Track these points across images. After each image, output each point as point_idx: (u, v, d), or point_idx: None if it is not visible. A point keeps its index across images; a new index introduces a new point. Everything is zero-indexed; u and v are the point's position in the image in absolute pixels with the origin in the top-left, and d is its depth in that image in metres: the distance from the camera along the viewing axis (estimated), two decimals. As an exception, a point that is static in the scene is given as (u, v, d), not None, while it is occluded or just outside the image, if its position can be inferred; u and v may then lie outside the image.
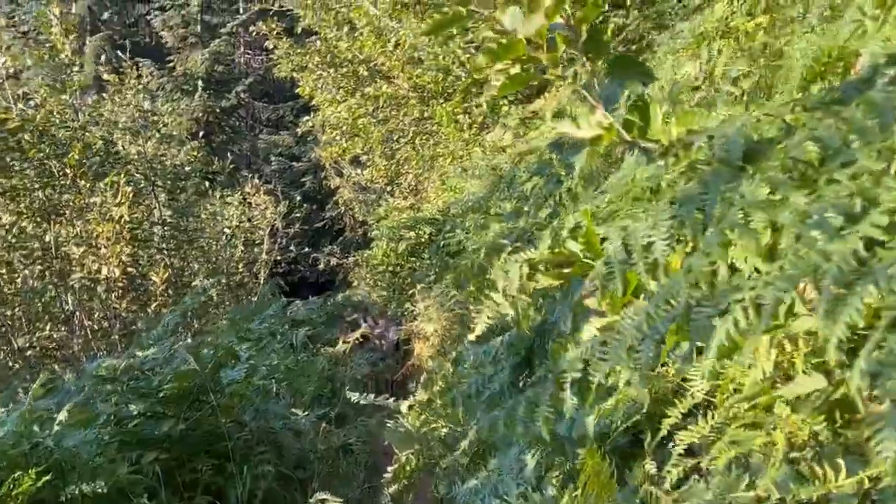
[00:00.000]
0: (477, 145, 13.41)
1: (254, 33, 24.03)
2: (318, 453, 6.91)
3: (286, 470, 6.26)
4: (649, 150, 2.06)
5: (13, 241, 10.15)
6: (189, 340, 7.03)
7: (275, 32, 16.10)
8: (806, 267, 1.15)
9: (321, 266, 27.28)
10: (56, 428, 5.00)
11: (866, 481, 1.63)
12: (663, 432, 2.35)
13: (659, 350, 1.32)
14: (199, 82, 29.41)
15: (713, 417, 2.28)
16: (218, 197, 19.03)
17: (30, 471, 4.53)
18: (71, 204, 10.45)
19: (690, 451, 2.44)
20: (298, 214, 26.27)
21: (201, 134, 25.69)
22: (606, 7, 11.08)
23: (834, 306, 1.10)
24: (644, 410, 2.52)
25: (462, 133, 13.79)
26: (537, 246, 2.16)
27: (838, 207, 1.19)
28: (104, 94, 12.80)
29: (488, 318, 2.33)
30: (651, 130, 2.06)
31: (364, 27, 14.34)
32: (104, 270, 10.13)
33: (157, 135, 12.70)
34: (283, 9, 18.83)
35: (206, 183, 19.98)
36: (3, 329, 10.18)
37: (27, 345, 10.45)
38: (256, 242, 20.04)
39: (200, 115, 28.22)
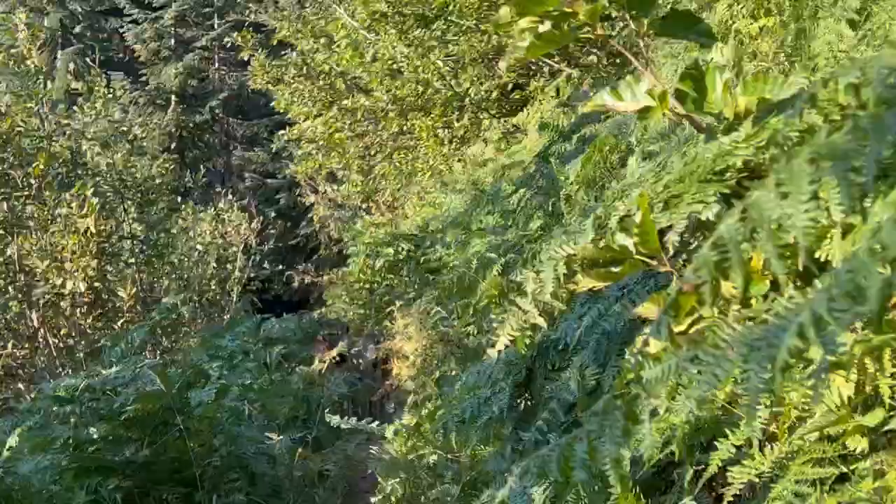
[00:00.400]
0: (457, 160, 13.07)
1: (228, 43, 23.74)
2: (293, 481, 6.44)
3: (259, 499, 5.79)
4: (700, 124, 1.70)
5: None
6: (157, 359, 6.55)
7: (250, 44, 15.67)
8: None
9: (295, 284, 26.98)
10: (6, 454, 4.57)
11: None
12: (714, 468, 1.97)
13: (786, 364, 0.94)
14: (173, 96, 28.95)
15: (773, 451, 1.91)
16: (190, 213, 18.63)
17: (-25, 501, 4.11)
18: (35, 216, 9.98)
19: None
20: (273, 231, 25.94)
21: (173, 146, 25.23)
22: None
23: None
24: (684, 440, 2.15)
25: (442, 147, 13.46)
26: (576, 241, 1.77)
27: None
28: (74, 108, 12.36)
29: (513, 328, 1.93)
30: (709, 102, 1.68)
31: (341, 38, 14.00)
32: (69, 285, 9.67)
33: (128, 146, 12.24)
34: (259, 20, 18.47)
35: (179, 198, 19.58)
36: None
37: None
38: (229, 259, 19.63)
39: (173, 129, 27.76)
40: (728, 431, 1.95)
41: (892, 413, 1.72)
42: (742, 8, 6.03)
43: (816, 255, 1.22)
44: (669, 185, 1.57)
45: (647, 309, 1.60)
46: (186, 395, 5.49)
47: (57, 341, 10.42)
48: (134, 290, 9.74)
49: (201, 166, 23.45)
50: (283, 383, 8.79)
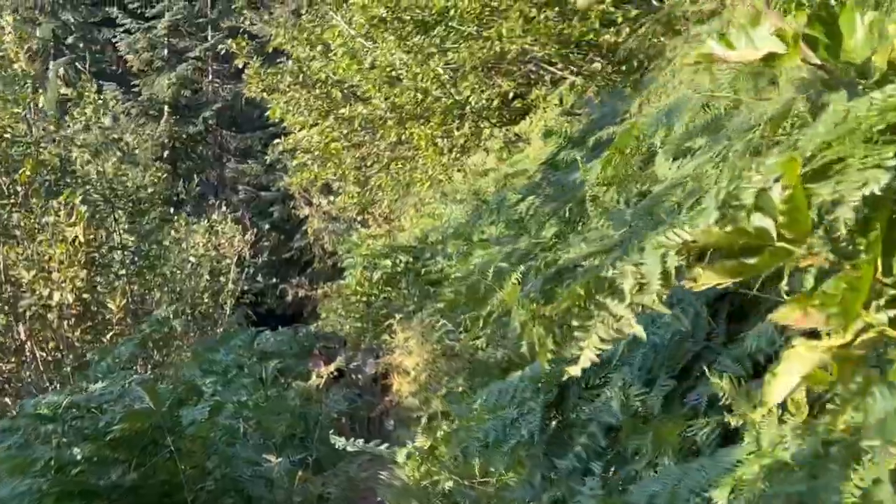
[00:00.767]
0: (457, 169, 12.75)
1: (222, 51, 23.41)
2: (292, 505, 6.04)
3: (256, 525, 5.41)
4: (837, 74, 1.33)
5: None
6: (147, 374, 6.11)
7: (244, 51, 15.30)
8: None
9: (289, 298, 26.75)
10: (-19, 477, 4.18)
11: None
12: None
13: None
14: (166, 107, 28.60)
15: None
16: (183, 224, 18.34)
17: (-54, 530, 3.72)
18: (22, 224, 9.58)
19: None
20: (266, 243, 25.63)
21: (166, 157, 24.89)
22: (598, 25, 10.52)
23: None
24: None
25: (441, 157, 13.14)
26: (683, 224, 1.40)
27: None
28: (66, 117, 11.99)
29: (601, 339, 1.56)
30: (847, 49, 1.31)
31: (338, 47, 13.66)
32: (56, 296, 9.28)
33: (118, 153, 11.86)
34: (254, 30, 18.17)
35: (171, 209, 19.25)
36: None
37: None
38: (223, 272, 19.35)
39: (166, 140, 27.42)
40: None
41: None
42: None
43: None
44: (818, 150, 1.20)
45: (790, 314, 1.22)
46: (178, 413, 5.09)
47: (45, 355, 10.03)
48: (124, 301, 9.33)
49: (194, 176, 23.08)
50: (280, 399, 8.38)
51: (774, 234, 1.17)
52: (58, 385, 9.18)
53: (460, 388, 6.73)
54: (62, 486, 4.59)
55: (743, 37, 1.37)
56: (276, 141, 17.97)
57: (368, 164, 15.54)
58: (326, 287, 22.84)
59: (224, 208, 22.01)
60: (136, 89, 29.04)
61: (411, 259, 12.49)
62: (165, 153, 26.41)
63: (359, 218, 20.78)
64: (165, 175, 15.33)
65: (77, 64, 23.92)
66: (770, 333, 2.36)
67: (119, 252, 11.23)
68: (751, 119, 2.85)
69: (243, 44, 15.36)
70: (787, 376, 1.24)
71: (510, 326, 4.51)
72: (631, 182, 4.18)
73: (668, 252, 1.33)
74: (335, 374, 11.88)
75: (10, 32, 10.38)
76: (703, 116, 3.77)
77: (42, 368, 9.90)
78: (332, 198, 21.89)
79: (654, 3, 9.53)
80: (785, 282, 2.15)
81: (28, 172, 9.44)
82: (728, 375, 2.13)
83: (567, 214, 5.75)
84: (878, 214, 1.11)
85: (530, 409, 3.20)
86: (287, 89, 14.87)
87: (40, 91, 11.20)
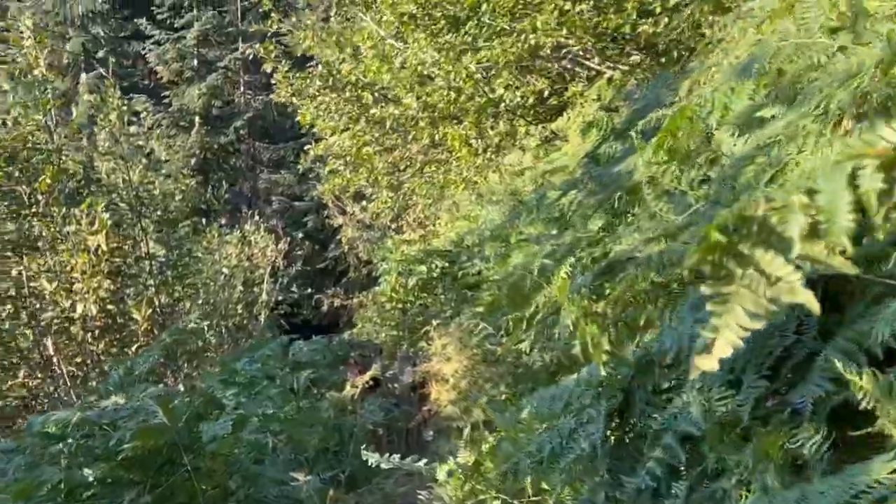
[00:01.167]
0: (492, 170, 12.33)
1: (251, 56, 23.09)
2: (324, 529, 5.55)
3: (283, 551, 4.93)
4: None
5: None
6: (162, 387, 5.62)
7: (273, 55, 14.99)
8: None
9: (324, 308, 26.53)
10: (-19, 502, 3.76)
11: None
12: None
13: None
14: (196, 118, 28.41)
15: None
16: (216, 235, 18.14)
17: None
18: (43, 234, 9.23)
19: None
20: (300, 252, 25.38)
21: (197, 166, 24.69)
22: (635, 16, 10.11)
23: None
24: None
25: (475, 158, 12.74)
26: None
27: None
28: (94, 129, 11.69)
29: (748, 313, 1.07)
30: None
31: (368, 49, 13.30)
32: (79, 308, 8.91)
33: (144, 161, 11.51)
34: (282, 33, 17.82)
35: (203, 220, 18.99)
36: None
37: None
38: (256, 282, 19.12)
39: (197, 151, 27.20)
40: None
41: None
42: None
43: None
44: None
45: None
46: (196, 429, 4.66)
47: (74, 370, 9.69)
48: (150, 312, 8.93)
49: (223, 182, 22.81)
50: (312, 411, 7.96)
51: None
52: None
53: (503, 396, 6.29)
54: (70, 512, 4.16)
55: None
56: (308, 147, 17.66)
57: (401, 168, 15.20)
58: (361, 296, 22.64)
59: (257, 218, 21.85)
60: (166, 101, 28.86)
61: (447, 263, 12.15)
62: (196, 164, 26.19)
63: (392, 225, 20.54)
64: (195, 184, 14.96)
65: (105, 77, 23.76)
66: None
67: (147, 262, 10.87)
68: (852, 67, 2.38)
69: (271, 48, 15.08)
70: None
71: (559, 326, 4.06)
72: (691, 162, 3.71)
73: (864, 166, 0.85)
74: (371, 383, 11.50)
75: (29, 37, 10.04)
76: (788, 69, 3.30)
77: (69, 384, 9.55)
78: (364, 203, 21.62)
79: (697, -15, 9.09)
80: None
81: (48, 181, 9.08)
82: (870, 371, 1.66)
83: (616, 205, 5.28)
84: None
85: (590, 418, 2.73)
86: (316, 93, 14.57)
87: (72, 105, 10.95)
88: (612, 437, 2.75)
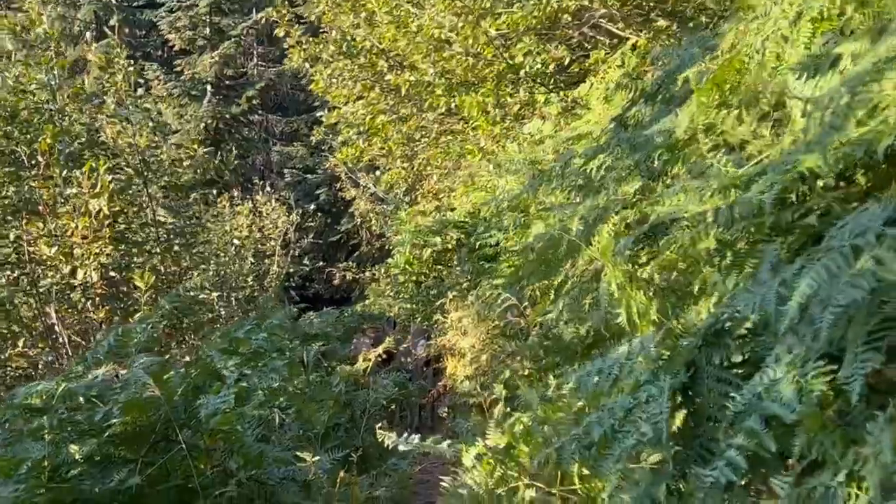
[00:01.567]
0: (510, 139, 11.92)
1: (265, 31, 22.72)
2: (333, 514, 5.08)
3: (288, 539, 4.46)
4: None
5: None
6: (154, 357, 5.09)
7: (285, 19, 14.57)
8: None
9: (336, 281, 26.32)
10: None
11: None
12: None
13: None
14: (208, 87, 27.95)
15: None
16: (227, 205, 17.86)
17: None
18: (43, 197, 8.79)
19: None
20: (312, 224, 25.03)
21: (208, 136, 24.27)
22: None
23: None
24: None
25: (493, 127, 12.31)
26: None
27: None
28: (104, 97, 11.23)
29: None
30: None
31: (384, 14, 12.85)
32: (80, 274, 8.49)
33: (151, 124, 11.05)
34: (296, 3, 17.42)
35: (215, 192, 18.65)
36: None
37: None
38: (267, 254, 18.83)
39: (209, 121, 26.73)
40: None
41: None
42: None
43: None
44: None
45: None
46: (194, 404, 4.21)
47: (78, 338, 9.28)
48: (152, 279, 8.49)
49: (232, 149, 22.40)
50: (322, 385, 7.54)
51: None
52: (85, 372, 8.41)
53: (527, 371, 5.85)
54: (54, 492, 3.72)
55: None
56: (320, 114, 17.32)
57: (416, 138, 14.81)
58: (374, 270, 22.42)
59: (269, 190, 21.56)
60: (177, 69, 28.39)
61: (463, 235, 11.82)
62: (208, 135, 25.76)
63: (406, 198, 20.22)
64: (203, 152, 14.50)
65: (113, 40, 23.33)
66: None
67: (153, 229, 10.45)
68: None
69: (283, 11, 14.69)
70: None
71: (597, 294, 3.62)
72: (756, 106, 3.26)
73: None
74: (383, 356, 11.11)
75: (31, -6, 9.60)
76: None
77: (71, 353, 9.15)
78: (377, 173, 21.29)
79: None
80: None
81: (49, 140, 8.65)
82: None
83: (657, 164, 4.82)
84: None
85: (650, 397, 2.29)
86: (330, 59, 14.16)
87: (83, 75, 10.56)
88: (675, 419, 2.31)
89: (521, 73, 11.42)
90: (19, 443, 4.03)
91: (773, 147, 3.13)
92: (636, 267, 3.63)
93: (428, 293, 12.55)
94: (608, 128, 7.67)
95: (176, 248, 10.79)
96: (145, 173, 10.43)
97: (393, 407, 10.82)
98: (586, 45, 11.52)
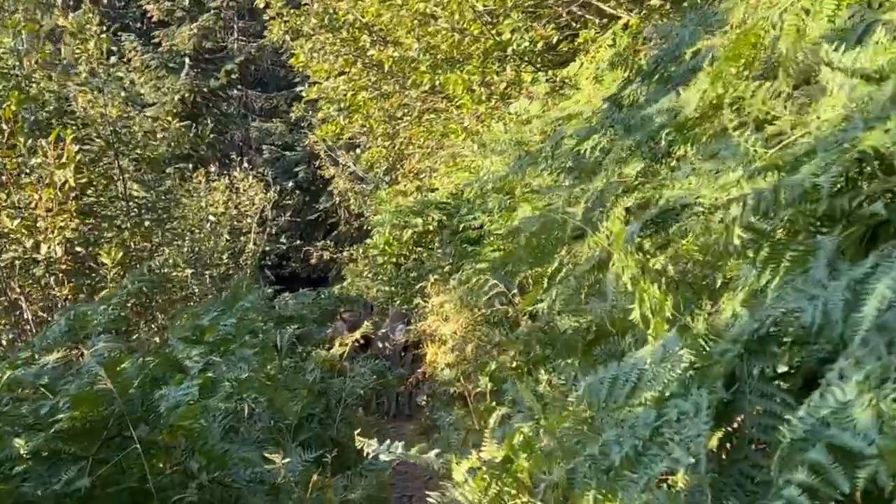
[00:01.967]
0: (495, 119, 11.59)
1: (245, 4, 22.21)
2: (304, 521, 4.67)
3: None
4: None
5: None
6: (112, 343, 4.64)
7: (267, -12, 14.18)
8: None
9: (313, 260, 26.10)
10: None
11: None
12: None
13: None
14: (186, 59, 27.38)
15: None
16: (202, 181, 17.48)
17: None
18: (5, 166, 8.34)
19: None
20: (289, 202, 24.67)
21: (186, 115, 23.73)
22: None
23: None
24: None
25: (478, 106, 11.98)
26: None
27: None
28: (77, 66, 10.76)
29: None
30: None
31: (367, -14, 12.49)
32: (43, 248, 8.07)
33: (123, 94, 10.61)
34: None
35: (190, 166, 18.29)
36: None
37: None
38: (244, 232, 18.46)
39: (186, 94, 26.17)
40: None
41: None
42: None
43: None
44: None
45: None
46: (152, 397, 3.80)
47: (45, 315, 8.87)
48: (120, 255, 8.09)
49: (209, 122, 21.92)
50: (296, 371, 7.16)
51: None
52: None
53: (514, 364, 5.50)
54: (-7, 493, 3.33)
55: None
56: (300, 89, 16.99)
57: (398, 115, 14.49)
58: (352, 250, 22.23)
59: (247, 166, 21.21)
60: (155, 41, 27.79)
61: (445, 216, 11.54)
62: (185, 109, 25.23)
63: (387, 177, 19.99)
64: (180, 124, 14.05)
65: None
66: None
67: (123, 203, 10.02)
68: None
69: (264, -23, 14.31)
70: None
71: (608, 285, 3.25)
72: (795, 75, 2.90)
73: None
74: (360, 341, 10.77)
75: (-4, -48, 9.14)
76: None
77: (35, 331, 8.74)
78: (358, 151, 21.02)
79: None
80: None
81: (13, 108, 8.20)
82: None
83: (661, 144, 4.44)
84: None
85: (681, 414, 1.92)
86: (311, 32, 13.80)
87: (60, 45, 10.17)
88: (711, 441, 1.94)
89: (509, 50, 11.08)
90: (-43, 436, 3.63)
91: (803, 125, 2.77)
92: (647, 257, 3.27)
93: (408, 276, 12.29)
94: (601, 108, 7.33)
95: (147, 223, 10.37)
96: (116, 145, 10.02)
97: (369, 395, 10.49)
98: (574, 24, 11.22)
